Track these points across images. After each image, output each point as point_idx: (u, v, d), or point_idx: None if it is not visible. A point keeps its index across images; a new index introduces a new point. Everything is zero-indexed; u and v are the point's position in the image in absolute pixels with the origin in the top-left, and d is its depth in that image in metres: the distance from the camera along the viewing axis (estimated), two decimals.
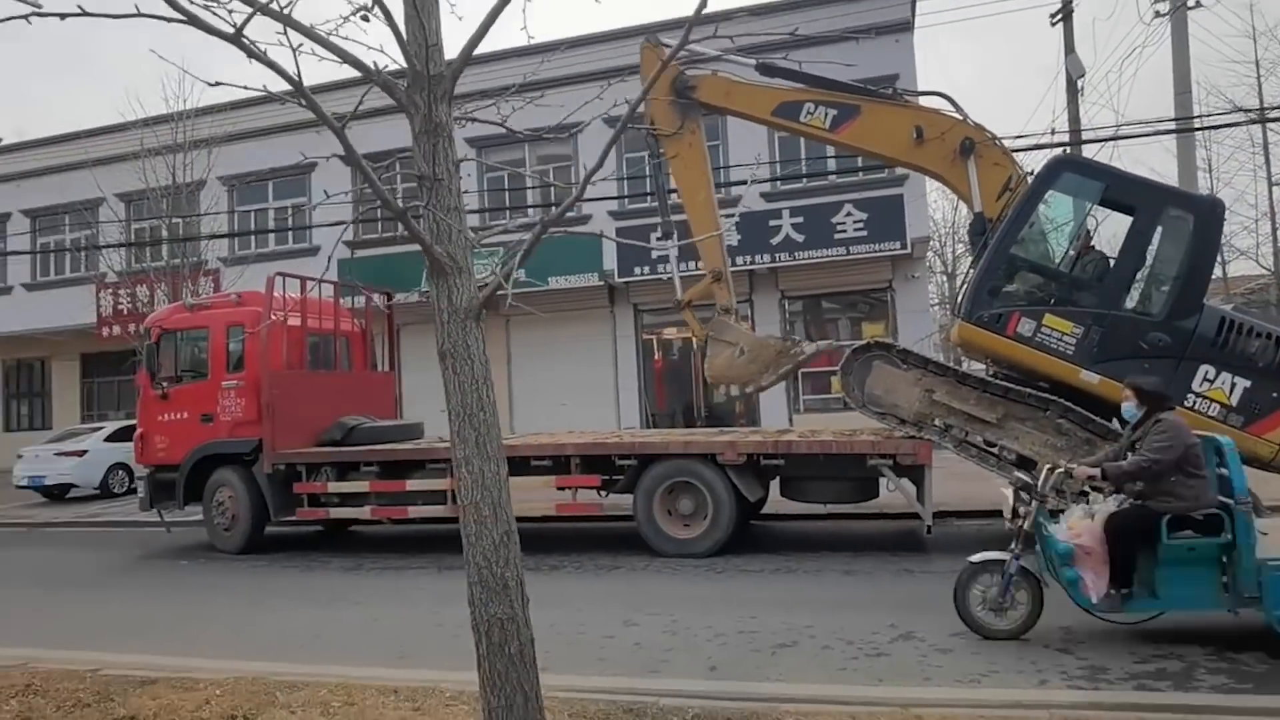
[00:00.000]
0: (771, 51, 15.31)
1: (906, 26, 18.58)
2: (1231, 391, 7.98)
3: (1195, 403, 7.97)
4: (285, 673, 5.53)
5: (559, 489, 9.69)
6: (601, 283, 18.45)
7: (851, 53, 17.93)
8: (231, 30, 1.94)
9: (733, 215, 17.81)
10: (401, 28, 2.23)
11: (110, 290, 21.26)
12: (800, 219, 17.57)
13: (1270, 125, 25.01)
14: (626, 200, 19.05)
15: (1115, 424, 8.30)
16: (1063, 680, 4.97)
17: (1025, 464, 8.22)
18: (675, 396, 20.19)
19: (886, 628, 6.12)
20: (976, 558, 6.01)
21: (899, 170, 17.53)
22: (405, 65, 2.25)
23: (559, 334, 19.49)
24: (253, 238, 21.66)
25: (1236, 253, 27.58)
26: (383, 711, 4.58)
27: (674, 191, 10.86)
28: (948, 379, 8.57)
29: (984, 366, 9.76)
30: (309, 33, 2.11)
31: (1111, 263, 8.53)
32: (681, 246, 10.93)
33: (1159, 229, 8.48)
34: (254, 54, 2.03)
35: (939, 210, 36.52)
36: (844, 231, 17.39)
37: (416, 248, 2.63)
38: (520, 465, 9.58)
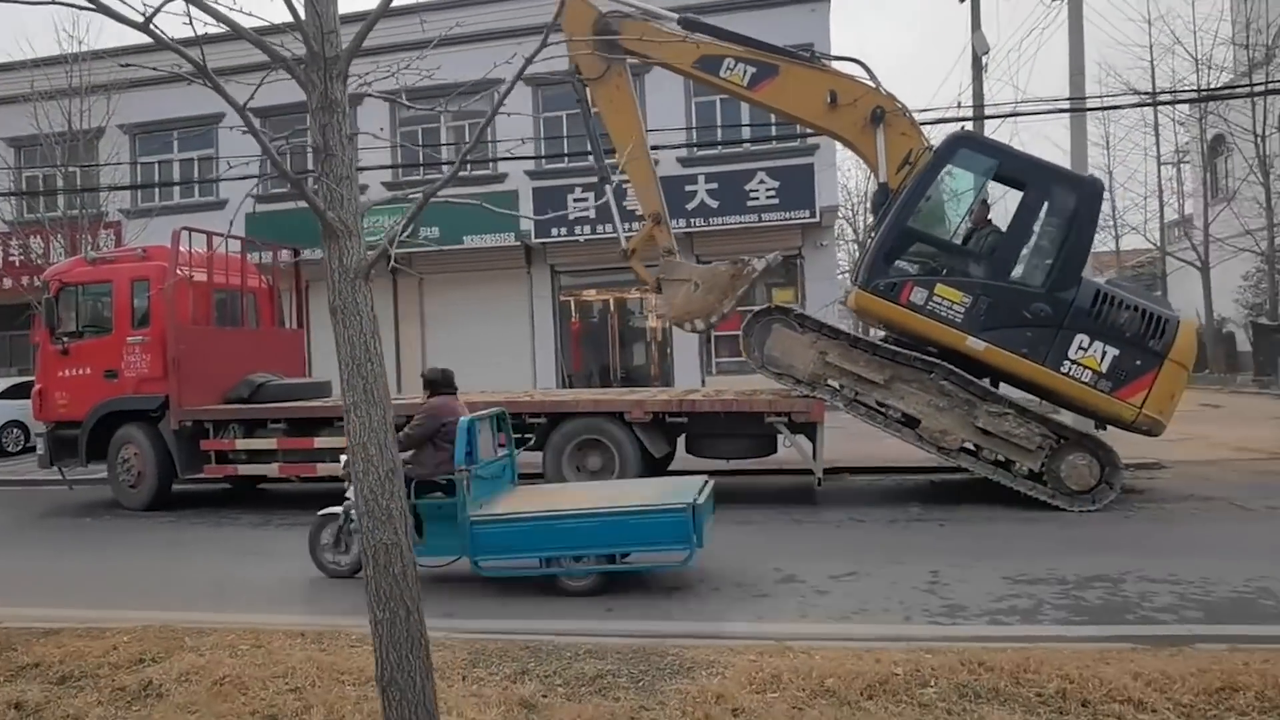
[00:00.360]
0: (694, 12, 15.57)
1: None
2: (1102, 359, 8.65)
3: (1070, 369, 8.64)
4: (194, 620, 5.68)
5: None
6: (518, 243, 18.51)
7: (767, 19, 18.36)
8: (141, 19, 2.08)
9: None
10: (300, 12, 2.40)
11: (0, 240, 20.30)
12: (715, 185, 17.90)
13: (1160, 108, 26.48)
14: (544, 161, 19.07)
15: (991, 385, 8.97)
16: (925, 617, 5.49)
17: (911, 422, 8.83)
18: (591, 358, 20.48)
19: (771, 571, 6.59)
20: (323, 511, 6.97)
21: (810, 139, 18.04)
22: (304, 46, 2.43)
23: (475, 294, 19.52)
24: (156, 190, 20.91)
25: (1128, 228, 29.16)
26: (290, 652, 4.79)
27: (605, 136, 10.89)
28: (840, 342, 9.06)
29: (883, 333, 10.30)
30: (220, 15, 2.27)
31: (1001, 237, 9.11)
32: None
33: (1045, 206, 9.06)
34: (164, 42, 2.18)
35: (853, 179, 37.41)
36: (756, 199, 17.79)
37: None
38: None
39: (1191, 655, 4.36)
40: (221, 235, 11.11)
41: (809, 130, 17.82)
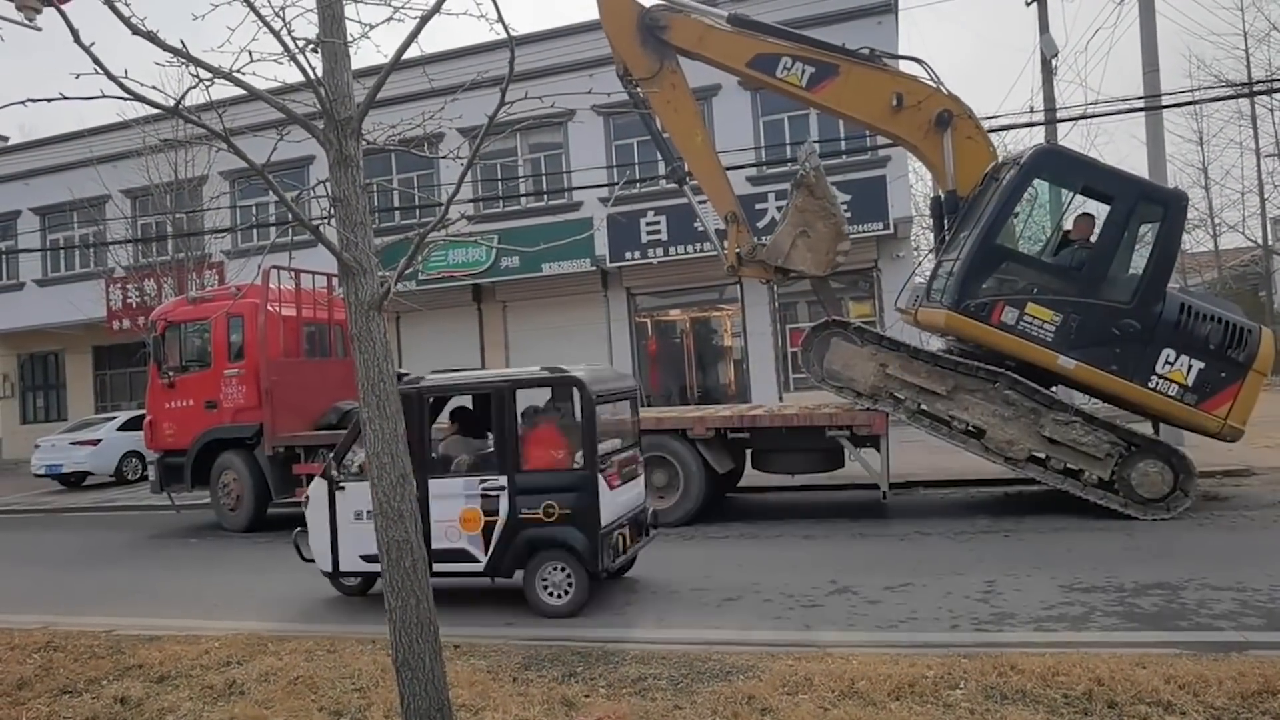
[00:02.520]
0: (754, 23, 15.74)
1: (889, 8, 18.91)
2: (1189, 373, 8.46)
3: (1157, 384, 8.46)
4: (278, 629, 6.16)
5: None
6: (594, 268, 18.96)
7: (833, 34, 18.41)
8: (171, 103, 2.48)
9: None
10: (318, 80, 2.77)
11: (119, 285, 21.93)
12: (785, 202, 17.96)
13: (1258, 98, 25.26)
14: (617, 187, 19.53)
15: (1058, 393, 8.84)
16: (972, 625, 5.52)
17: (976, 433, 8.76)
18: (669, 377, 20.75)
19: (827, 583, 6.68)
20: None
21: (882, 150, 18.00)
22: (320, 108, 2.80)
23: (554, 318, 20.10)
24: (254, 231, 22.26)
25: (1226, 226, 27.85)
26: (358, 657, 5.18)
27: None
28: (900, 354, 9.07)
29: (941, 343, 10.24)
30: (248, 86, 2.66)
31: (1089, 252, 8.79)
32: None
33: (1132, 219, 8.79)
34: (192, 121, 2.58)
35: (931, 188, 36.71)
36: None
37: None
38: None
39: (1235, 660, 4.30)
40: (308, 271, 11.92)
41: (880, 141, 17.90)
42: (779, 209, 17.91)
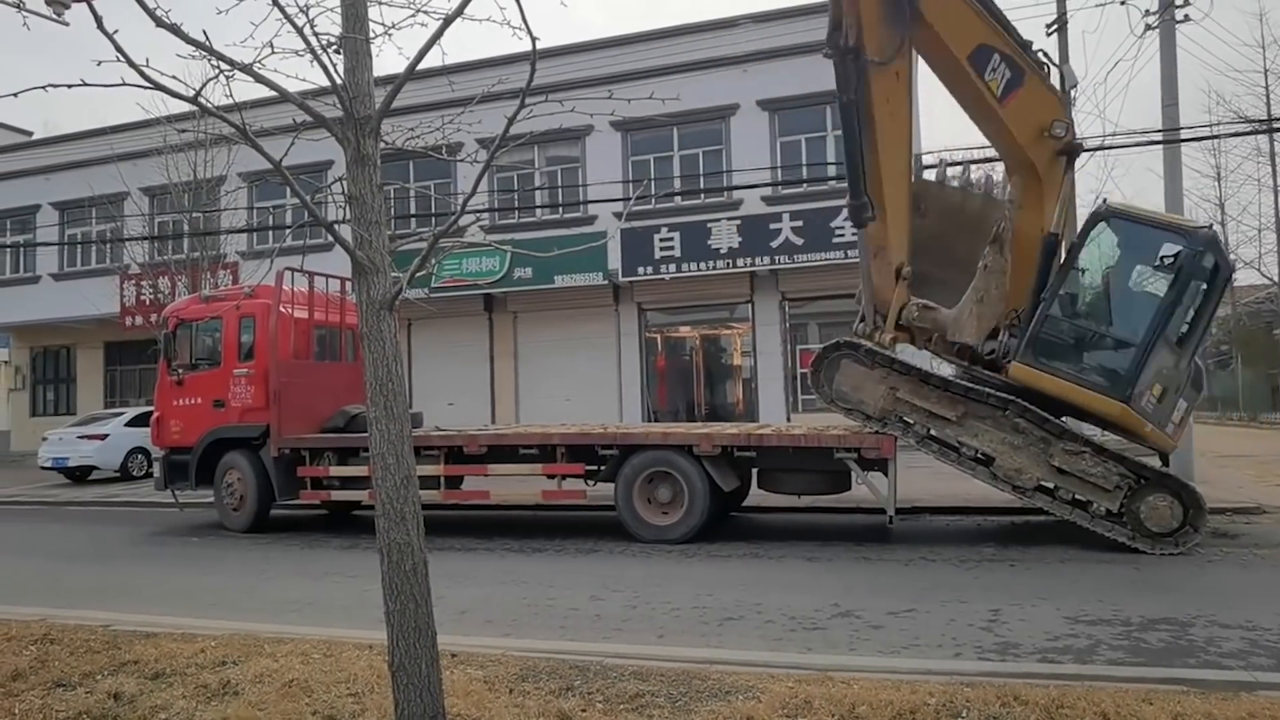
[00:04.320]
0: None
1: None
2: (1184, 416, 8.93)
3: (1171, 430, 8.70)
4: (276, 630, 6.12)
5: (548, 478, 10.24)
6: (606, 282, 18.99)
7: None
8: (190, 93, 2.49)
9: (735, 219, 18.42)
10: (338, 77, 2.77)
11: (133, 281, 22.07)
12: (800, 223, 18.01)
13: (1277, 136, 25.19)
14: (632, 202, 19.58)
15: (1068, 422, 8.77)
16: (976, 654, 5.44)
17: (985, 460, 8.69)
18: (677, 393, 20.72)
19: (830, 606, 6.60)
20: None
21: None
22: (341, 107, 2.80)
23: (565, 331, 20.13)
24: (270, 232, 22.39)
25: (1241, 263, 27.70)
26: (355, 661, 5.13)
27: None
28: (911, 378, 9.01)
29: (952, 368, 10.18)
30: (267, 81, 2.66)
31: (1151, 306, 8.46)
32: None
33: (1190, 275, 8.37)
34: (211, 112, 2.58)
35: None
36: (842, 235, 17.77)
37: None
38: (509, 454, 10.16)
39: (1244, 700, 4.22)
40: (323, 275, 11.97)
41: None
42: (793, 229, 17.96)
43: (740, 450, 9.53)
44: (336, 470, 10.92)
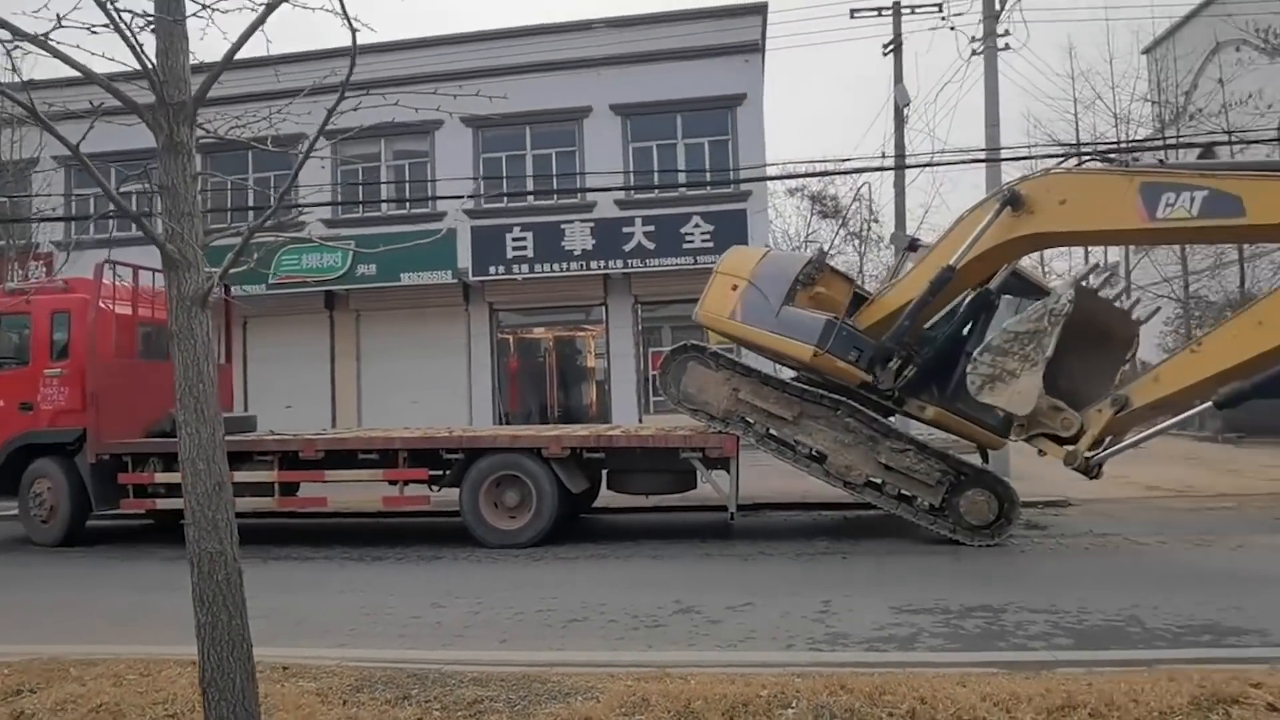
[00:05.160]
0: (617, 64, 15.59)
1: (756, 48, 19.58)
2: None
3: None
4: (88, 652, 5.63)
5: (390, 483, 9.93)
6: (456, 281, 18.60)
7: (699, 70, 18.95)
8: None
9: (589, 221, 18.47)
10: (150, 60, 2.58)
11: None
12: (651, 227, 18.26)
13: (1084, 160, 27.71)
14: (483, 200, 19.30)
15: (895, 422, 9.29)
16: (808, 645, 5.67)
17: (819, 458, 9.09)
18: (530, 396, 20.55)
19: (672, 603, 6.73)
20: None
21: (744, 185, 18.58)
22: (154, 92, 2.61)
23: (412, 331, 19.55)
24: (92, 223, 20.65)
25: (1055, 275, 30.20)
26: (175, 680, 4.79)
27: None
28: (752, 379, 9.32)
29: (792, 372, 10.59)
30: (70, 61, 2.45)
31: None
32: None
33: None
34: (12, 98, 2.37)
35: (792, 225, 38.24)
36: (692, 242, 18.17)
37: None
38: (347, 459, 9.80)
39: (1044, 678, 4.59)
40: (148, 268, 11.12)
41: (743, 176, 18.48)
42: (645, 233, 18.21)
43: (590, 452, 9.57)
44: (163, 477, 10.16)
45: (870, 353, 8.79)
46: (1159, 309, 9.22)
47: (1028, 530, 9.60)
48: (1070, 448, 8.13)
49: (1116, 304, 9.27)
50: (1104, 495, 12.02)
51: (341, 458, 9.87)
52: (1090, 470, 8.23)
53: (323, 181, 18.43)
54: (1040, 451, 8.46)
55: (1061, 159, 26.52)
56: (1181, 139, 21.98)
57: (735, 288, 9.55)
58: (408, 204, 19.63)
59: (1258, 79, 20.12)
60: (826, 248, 10.30)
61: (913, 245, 10.09)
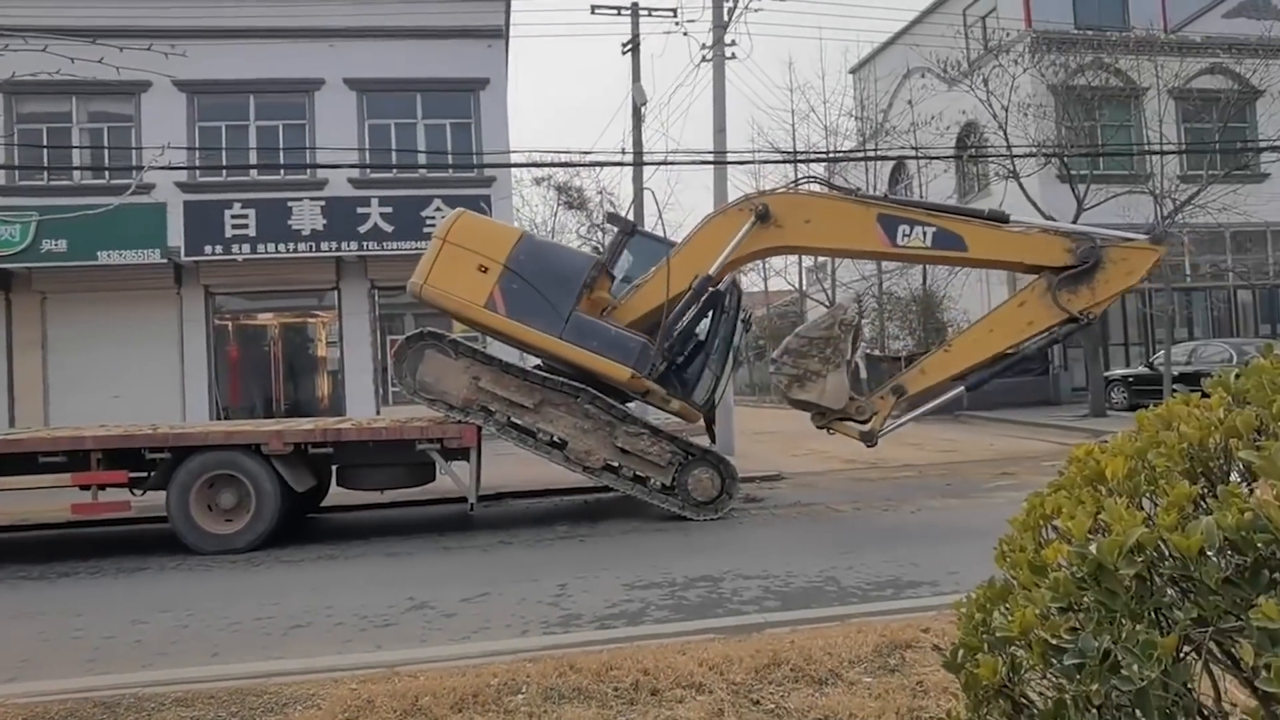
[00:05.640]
0: (350, 35, 14.81)
1: (499, 34, 19.39)
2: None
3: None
4: None
5: (81, 489, 8.76)
6: (165, 260, 16.79)
7: (441, 50, 18.48)
8: None
9: (319, 200, 17.40)
10: None
11: None
12: (389, 209, 17.57)
13: (799, 166, 30.26)
14: (199, 173, 17.57)
15: (632, 409, 9.62)
16: (542, 629, 5.72)
17: (559, 445, 9.20)
18: (253, 388, 19.03)
19: (405, 600, 6.51)
20: None
21: (488, 171, 18.38)
22: None
23: (112, 317, 17.41)
24: None
25: (773, 272, 32.79)
26: None
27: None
28: (493, 367, 9.25)
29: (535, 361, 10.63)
30: None
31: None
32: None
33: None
34: None
35: (539, 214, 38.42)
36: (433, 225, 17.65)
37: None
38: (26, 462, 8.55)
39: (754, 640, 4.95)
40: None
41: (487, 162, 18.26)
42: (382, 215, 17.47)
43: (316, 447, 9.01)
44: None
45: (656, 363, 9.21)
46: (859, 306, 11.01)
47: (746, 503, 10.34)
48: (864, 429, 9.39)
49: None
50: (811, 469, 13.27)
51: (17, 461, 8.58)
52: (872, 443, 9.50)
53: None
54: (831, 431, 9.54)
55: (771, 163, 28.77)
56: (880, 153, 24.66)
57: (484, 269, 9.15)
58: (107, 174, 17.38)
59: (939, 103, 22.97)
60: (581, 245, 10.41)
61: (631, 230, 10.42)
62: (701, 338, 10.13)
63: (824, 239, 9.58)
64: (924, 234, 9.14)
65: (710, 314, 9.98)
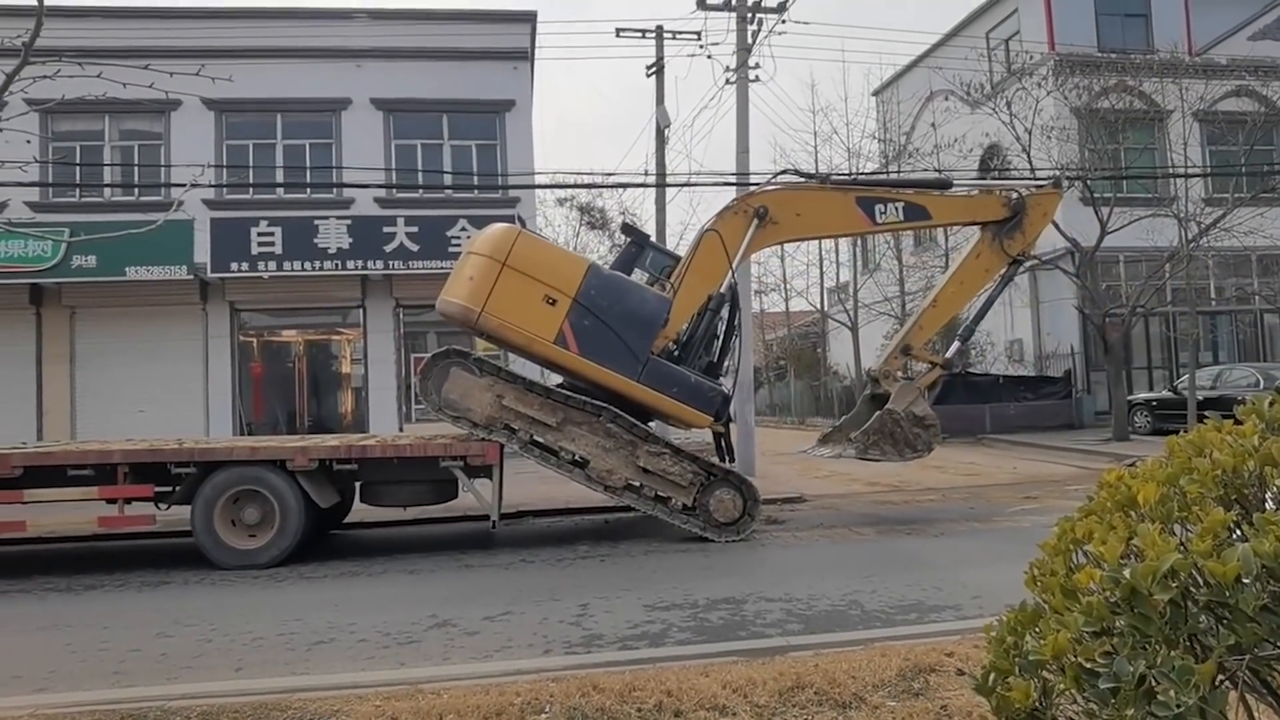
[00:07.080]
0: (382, 56, 14.99)
1: (525, 56, 19.63)
2: None
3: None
4: None
5: (108, 502, 8.87)
6: (192, 276, 17.04)
7: (467, 72, 18.73)
8: None
9: (345, 219, 17.61)
10: None
11: None
12: (415, 228, 17.75)
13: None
14: (225, 190, 17.86)
15: (653, 428, 9.64)
16: (564, 649, 5.72)
17: (581, 463, 9.22)
18: (277, 404, 19.23)
19: (427, 618, 6.53)
20: None
21: (512, 191, 18.54)
22: None
23: (139, 331, 17.70)
24: None
25: (795, 292, 32.81)
26: None
27: None
28: (516, 386, 9.30)
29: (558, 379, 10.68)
30: None
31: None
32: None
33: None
34: None
35: (561, 234, 38.66)
36: (458, 245, 17.82)
37: None
38: (55, 475, 8.66)
39: (777, 662, 4.93)
40: None
41: (511, 183, 18.42)
42: (408, 234, 17.64)
43: (340, 463, 9.08)
44: None
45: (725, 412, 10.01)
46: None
47: (768, 525, 10.30)
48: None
49: None
50: (832, 491, 13.20)
51: (46, 474, 8.70)
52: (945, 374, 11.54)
53: (27, 159, 16.21)
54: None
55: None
56: (903, 176, 24.65)
57: (552, 301, 8.92)
58: (136, 190, 17.70)
59: (961, 126, 22.97)
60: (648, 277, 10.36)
61: (643, 242, 10.60)
62: (714, 357, 10.23)
63: (815, 228, 11.03)
64: (897, 210, 10.47)
65: (727, 311, 10.36)
